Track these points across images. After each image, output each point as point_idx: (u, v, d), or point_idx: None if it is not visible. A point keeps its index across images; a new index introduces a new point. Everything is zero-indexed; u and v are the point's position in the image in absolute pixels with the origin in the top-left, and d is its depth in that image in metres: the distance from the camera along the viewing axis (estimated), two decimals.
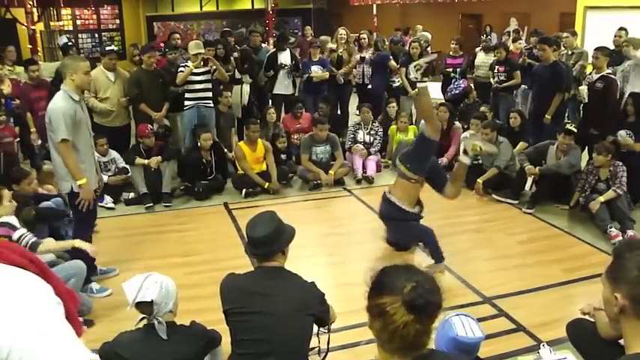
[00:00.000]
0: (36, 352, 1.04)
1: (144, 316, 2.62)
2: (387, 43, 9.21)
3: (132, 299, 2.56)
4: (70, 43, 9.04)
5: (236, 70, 7.68)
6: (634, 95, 5.85)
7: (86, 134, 4.08)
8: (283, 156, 6.83)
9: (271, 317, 2.41)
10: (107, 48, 7.09)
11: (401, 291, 1.44)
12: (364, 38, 8.52)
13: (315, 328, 2.65)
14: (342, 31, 8.16)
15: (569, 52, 7.42)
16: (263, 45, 8.88)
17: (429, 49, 10.95)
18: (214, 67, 6.87)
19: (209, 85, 6.86)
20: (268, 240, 2.54)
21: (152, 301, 2.58)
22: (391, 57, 8.21)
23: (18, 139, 6.71)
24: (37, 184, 5.38)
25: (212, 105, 6.94)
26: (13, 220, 3.87)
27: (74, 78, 3.90)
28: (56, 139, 3.88)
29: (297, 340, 2.47)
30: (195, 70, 6.66)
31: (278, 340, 2.40)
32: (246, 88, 7.71)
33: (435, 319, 1.50)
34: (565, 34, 7.63)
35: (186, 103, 6.83)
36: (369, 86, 8.26)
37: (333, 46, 8.22)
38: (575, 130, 5.68)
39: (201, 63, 6.68)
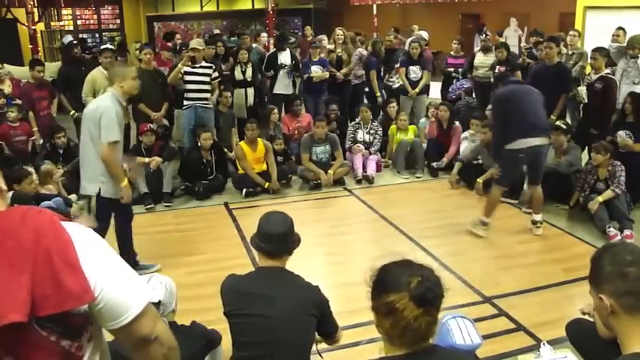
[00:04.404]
0: (114, 285, 1.28)
1: None
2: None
3: None
4: (75, 42, 9.06)
5: (237, 72, 7.70)
6: (632, 95, 5.85)
7: (121, 140, 4.16)
8: (280, 158, 6.79)
9: (271, 320, 2.38)
10: (102, 47, 7.09)
11: (407, 286, 1.49)
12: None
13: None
14: (339, 32, 8.16)
15: (570, 52, 7.41)
16: (254, 45, 8.91)
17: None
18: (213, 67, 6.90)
19: (207, 87, 6.86)
20: (284, 237, 2.52)
21: (159, 301, 2.58)
22: (372, 63, 8.13)
23: (34, 137, 6.71)
24: (38, 184, 5.39)
25: (210, 105, 6.94)
26: None
27: (123, 85, 3.98)
28: (105, 139, 3.89)
29: (298, 341, 2.44)
30: (193, 70, 6.67)
31: (278, 343, 2.39)
32: (251, 89, 7.74)
33: (440, 308, 1.55)
34: (571, 33, 7.61)
35: (185, 102, 6.84)
36: (366, 89, 8.28)
37: (331, 46, 8.22)
38: (564, 127, 5.79)
39: (189, 62, 6.67)
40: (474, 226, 5.19)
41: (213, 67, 6.98)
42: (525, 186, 6.01)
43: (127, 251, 4.37)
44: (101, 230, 4.31)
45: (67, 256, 1.20)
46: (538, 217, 5.23)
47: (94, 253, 1.27)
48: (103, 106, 3.95)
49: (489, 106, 7.39)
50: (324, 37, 8.53)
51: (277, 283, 2.49)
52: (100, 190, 4.05)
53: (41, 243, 1.18)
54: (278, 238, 2.51)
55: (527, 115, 4.81)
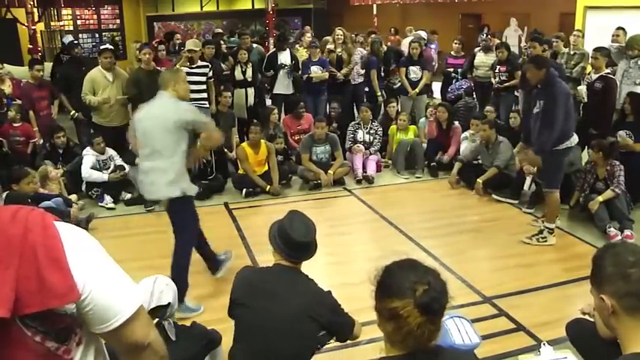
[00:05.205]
0: (104, 286, 1.25)
1: (157, 319, 2.59)
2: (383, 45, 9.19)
3: (146, 304, 2.52)
4: (75, 42, 9.08)
5: (237, 72, 7.69)
6: (631, 95, 5.86)
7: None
8: (280, 157, 6.77)
9: (273, 318, 2.41)
10: (102, 47, 7.06)
11: (412, 294, 1.46)
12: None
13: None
14: (339, 32, 8.18)
15: (572, 53, 7.40)
16: (254, 45, 8.91)
17: (432, 46, 10.99)
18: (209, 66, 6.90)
19: (203, 87, 6.84)
20: (308, 246, 2.56)
21: (169, 303, 2.59)
22: (372, 62, 8.12)
23: (35, 139, 6.69)
24: (38, 184, 5.38)
25: (207, 105, 6.91)
26: None
27: (177, 89, 3.93)
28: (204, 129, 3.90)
29: (296, 343, 2.44)
30: (190, 71, 6.65)
31: (276, 340, 2.40)
32: (251, 89, 7.72)
33: (444, 314, 1.54)
34: (575, 33, 7.61)
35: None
36: (367, 88, 8.29)
37: (332, 46, 8.23)
38: None
39: (187, 62, 6.65)
40: (541, 239, 4.97)
41: (210, 66, 6.97)
42: (526, 186, 6.02)
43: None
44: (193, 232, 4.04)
45: (53, 252, 1.17)
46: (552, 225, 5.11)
47: (84, 253, 1.24)
48: (177, 110, 3.80)
49: (487, 107, 7.42)
50: (329, 38, 8.52)
51: (289, 284, 2.51)
52: (181, 191, 3.82)
53: (28, 239, 1.15)
54: (303, 246, 2.53)
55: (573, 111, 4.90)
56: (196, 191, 3.99)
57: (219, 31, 10.74)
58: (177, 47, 8.74)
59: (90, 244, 1.29)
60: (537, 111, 4.82)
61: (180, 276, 3.70)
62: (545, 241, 4.96)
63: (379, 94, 8.15)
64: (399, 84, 8.15)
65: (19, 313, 1.12)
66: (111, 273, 1.30)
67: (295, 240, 2.50)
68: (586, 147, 6.05)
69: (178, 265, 3.82)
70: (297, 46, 9.13)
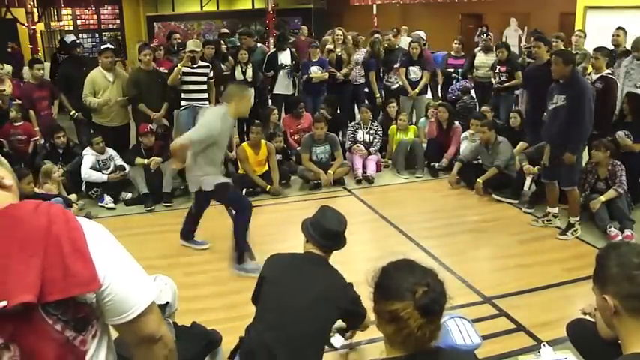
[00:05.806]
0: (122, 279, 1.31)
1: None
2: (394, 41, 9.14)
3: None
4: (78, 42, 9.08)
5: (237, 72, 7.69)
6: (630, 95, 5.86)
7: (222, 149, 4.54)
8: (279, 156, 6.75)
9: (295, 296, 2.53)
10: (102, 47, 7.04)
11: (412, 296, 1.46)
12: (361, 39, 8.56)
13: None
14: (338, 32, 8.17)
15: (573, 52, 7.38)
16: (258, 45, 8.89)
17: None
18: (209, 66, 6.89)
19: (204, 87, 6.83)
20: (339, 236, 2.74)
21: (167, 302, 2.59)
22: (371, 64, 8.14)
23: (37, 137, 6.70)
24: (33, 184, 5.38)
25: (208, 105, 6.90)
26: None
27: (239, 105, 4.20)
28: (188, 135, 4.28)
29: (311, 324, 2.52)
30: (191, 71, 6.65)
31: (293, 318, 2.49)
32: (251, 90, 7.71)
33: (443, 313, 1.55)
34: (577, 34, 7.61)
35: (182, 103, 6.82)
36: (367, 89, 8.28)
37: (331, 46, 8.22)
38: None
39: (189, 62, 6.65)
40: (574, 232, 5.08)
41: (210, 66, 6.96)
42: (526, 186, 6.01)
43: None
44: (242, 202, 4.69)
45: (77, 243, 1.23)
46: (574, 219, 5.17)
47: (103, 246, 1.30)
48: (207, 116, 4.32)
49: (483, 107, 7.42)
50: (329, 38, 8.47)
51: (316, 269, 2.67)
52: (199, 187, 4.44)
53: (52, 230, 1.20)
54: (335, 235, 2.72)
55: None
56: (212, 187, 4.39)
57: (225, 31, 10.70)
58: (176, 47, 8.73)
59: (109, 238, 1.35)
60: (555, 106, 4.81)
61: (241, 239, 4.42)
62: (577, 231, 5.07)
63: (378, 95, 8.14)
64: (397, 84, 8.14)
65: (43, 301, 1.17)
66: (129, 266, 1.36)
67: (329, 229, 2.69)
68: (586, 147, 6.06)
69: (238, 229, 4.46)
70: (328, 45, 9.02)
